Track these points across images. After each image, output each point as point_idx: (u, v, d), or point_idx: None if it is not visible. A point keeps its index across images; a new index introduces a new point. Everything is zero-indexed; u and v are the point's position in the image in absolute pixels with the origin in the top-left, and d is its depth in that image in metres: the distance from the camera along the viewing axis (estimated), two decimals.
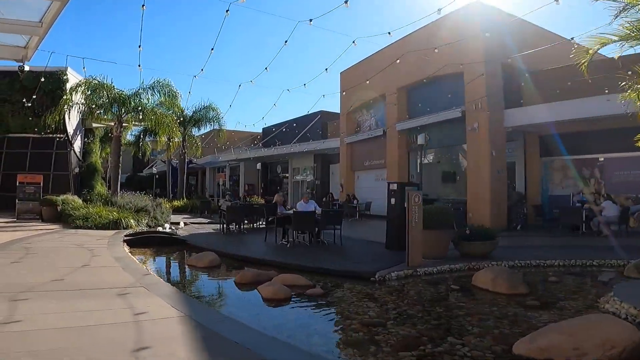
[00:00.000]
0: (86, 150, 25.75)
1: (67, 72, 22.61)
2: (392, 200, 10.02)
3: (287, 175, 34.37)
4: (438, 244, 8.37)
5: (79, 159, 24.28)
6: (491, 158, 14.81)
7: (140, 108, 16.85)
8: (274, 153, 28.27)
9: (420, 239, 7.82)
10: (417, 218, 7.82)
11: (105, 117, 16.86)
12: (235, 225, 13.36)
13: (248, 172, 36.50)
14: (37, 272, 6.17)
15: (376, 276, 7.06)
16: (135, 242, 10.47)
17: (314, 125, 29.38)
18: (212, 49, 9.13)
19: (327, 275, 7.41)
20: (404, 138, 19.59)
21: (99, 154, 27.84)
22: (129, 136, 36.01)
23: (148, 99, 16.87)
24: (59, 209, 15.45)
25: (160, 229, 14.16)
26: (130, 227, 13.60)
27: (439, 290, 6.61)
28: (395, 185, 10.08)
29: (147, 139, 30.63)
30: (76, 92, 16.16)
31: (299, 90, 31.66)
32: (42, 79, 15.91)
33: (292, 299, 5.82)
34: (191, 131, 27.32)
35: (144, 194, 19.21)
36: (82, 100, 16.18)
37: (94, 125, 25.98)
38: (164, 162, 34.20)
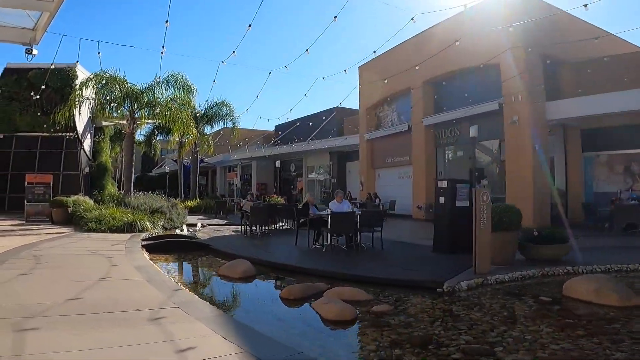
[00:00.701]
0: (96, 149, 24.90)
1: (76, 69, 21.80)
2: (441, 199, 8.97)
3: (300, 173, 33.44)
4: (505, 248, 7.31)
5: (88, 158, 23.42)
6: (533, 152, 13.70)
7: (153, 103, 15.90)
8: (290, 151, 27.29)
9: (490, 243, 6.77)
10: (485, 219, 6.77)
11: (117, 113, 15.92)
12: (259, 227, 12.35)
13: (260, 171, 35.58)
14: (49, 288, 5.20)
15: (444, 287, 6.02)
16: (155, 247, 9.49)
17: (329, 122, 28.33)
18: (250, 25, 8.03)
19: (380, 285, 6.39)
20: (431, 133, 18.49)
21: (109, 153, 27.02)
22: (138, 135, 35.43)
23: (162, 94, 15.93)
24: (69, 211, 14.54)
25: (178, 231, 13.22)
26: (146, 229, 12.67)
27: (528, 304, 5.55)
28: (445, 182, 9.04)
29: (157, 137, 29.83)
30: (87, 86, 15.23)
31: (314, 86, 30.52)
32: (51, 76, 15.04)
33: (359, 319, 4.81)
34: (203, 129, 26.42)
35: (155, 194, 18.37)
36: (93, 96, 15.25)
37: (104, 123, 25.12)
38: (175, 161, 33.34)
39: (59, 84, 20.95)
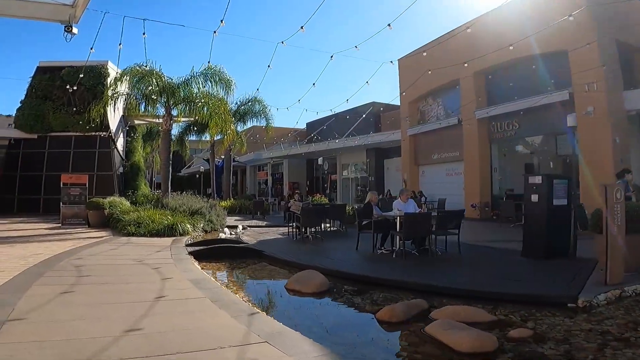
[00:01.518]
0: (129, 149, 24.38)
1: (108, 66, 21.28)
2: (534, 197, 7.68)
3: (333, 171, 32.31)
4: (636, 253, 5.98)
5: (122, 157, 22.90)
6: (613, 146, 12.19)
7: (190, 98, 15.01)
8: (326, 148, 26.11)
9: (624, 248, 5.49)
10: (619, 220, 5.49)
11: (151, 109, 15.10)
12: (309, 230, 11.26)
13: (292, 170, 34.61)
14: (100, 313, 4.21)
15: (579, 302, 4.81)
16: (202, 254, 8.50)
17: (365, 117, 27.04)
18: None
19: (488, 300, 5.20)
20: (485, 127, 17.04)
21: (141, 152, 26.51)
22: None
23: (199, 88, 15.00)
24: (106, 213, 13.80)
25: (222, 235, 12.27)
26: (187, 232, 11.79)
27: None
28: (539, 178, 7.74)
29: (189, 137, 29.18)
30: (121, 81, 14.45)
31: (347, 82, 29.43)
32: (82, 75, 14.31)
33: (504, 349, 3.65)
34: (236, 126, 25.53)
35: (189, 194, 17.63)
36: (128, 90, 14.48)
37: (137, 122, 24.61)
38: (206, 160, 32.68)
39: (91, 82, 20.46)
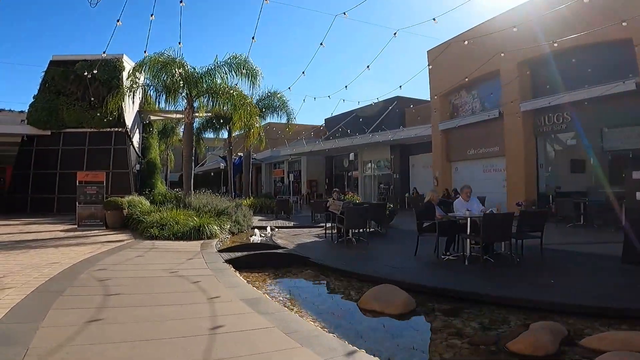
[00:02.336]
0: (145, 146, 23.43)
1: (123, 60, 20.31)
2: (639, 195, 6.44)
3: (353, 168, 31.13)
4: None
5: (138, 155, 21.93)
6: None
7: (214, 89, 13.91)
8: (349, 144, 24.89)
9: None
10: None
11: (172, 101, 14.03)
12: (352, 233, 10.10)
13: (311, 167, 33.50)
14: (143, 356, 3.08)
15: None
16: (240, 262, 7.38)
17: (389, 113, 25.79)
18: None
19: (613, 318, 4.02)
20: (530, 120, 15.72)
21: (157, 149, 25.55)
22: (183, 131, 33.88)
23: (222, 79, 13.88)
24: (124, 214, 12.78)
25: (254, 238, 11.16)
26: (215, 235, 10.70)
27: None
28: None
29: (205, 134, 28.16)
30: (140, 71, 13.38)
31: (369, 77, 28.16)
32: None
33: None
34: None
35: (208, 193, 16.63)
36: (147, 82, 13.43)
37: (153, 117, 23.64)
38: (223, 157, 31.69)
39: (106, 76, 19.52)
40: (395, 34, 7.88)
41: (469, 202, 8.01)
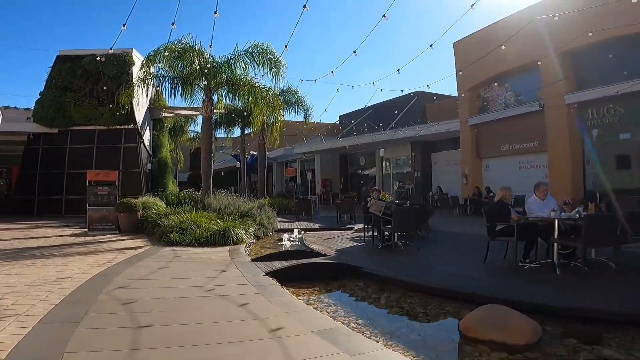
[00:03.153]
0: (155, 144, 22.36)
1: (132, 54, 19.25)
2: None
3: (369, 167, 29.97)
4: None
5: (149, 153, 20.88)
6: None
7: (233, 81, 12.78)
8: (369, 141, 23.71)
9: None
10: None
11: (188, 94, 12.91)
12: (397, 236, 8.94)
13: (325, 166, 32.30)
14: None
15: None
16: (282, 273, 6.23)
17: (409, 109, 24.59)
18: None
19: None
20: (576, 113, 14.46)
21: (168, 147, 24.49)
22: (190, 131, 32.71)
23: (244, 69, 12.74)
24: (139, 216, 11.69)
25: (287, 244, 10.02)
26: (241, 240, 9.59)
27: None
28: None
29: (217, 131, 27.02)
30: (154, 62, 12.26)
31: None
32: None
33: None
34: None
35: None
36: (163, 72, 12.31)
37: (163, 114, 22.58)
38: (234, 156, 30.60)
39: (115, 71, 18.47)
40: (384, 15, 6.85)
41: (545, 202, 6.86)
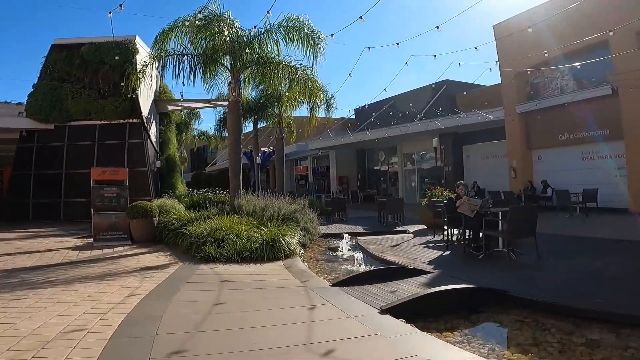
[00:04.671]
0: (162, 140, 20.19)
1: (136, 42, 17.09)
2: None
3: (388, 162, 27.90)
4: None
5: (156, 150, 18.73)
6: None
7: (264, 59, 10.66)
8: (393, 134, 21.63)
9: None
10: None
11: (209, 75, 10.82)
12: (506, 243, 6.85)
13: (340, 163, 30.19)
14: None
15: None
16: (400, 310, 4.14)
17: (437, 99, 22.52)
18: None
19: None
20: None
21: (176, 144, 22.31)
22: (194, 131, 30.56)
23: (276, 44, 10.60)
24: (155, 222, 9.56)
25: (346, 254, 7.92)
26: (293, 252, 7.51)
27: None
28: None
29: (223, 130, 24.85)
30: (170, 37, 10.10)
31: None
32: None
33: None
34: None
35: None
36: (180, 48, 10.14)
37: (170, 107, 20.41)
38: (245, 153, 28.37)
39: (116, 61, 16.25)
40: None
41: None
